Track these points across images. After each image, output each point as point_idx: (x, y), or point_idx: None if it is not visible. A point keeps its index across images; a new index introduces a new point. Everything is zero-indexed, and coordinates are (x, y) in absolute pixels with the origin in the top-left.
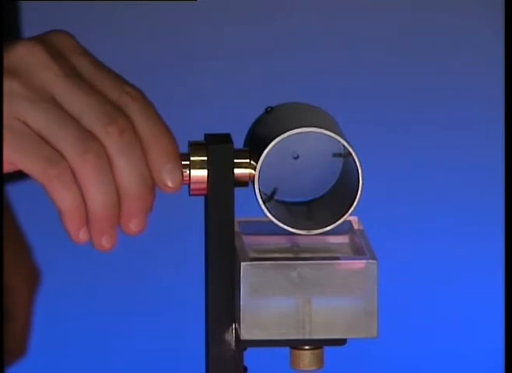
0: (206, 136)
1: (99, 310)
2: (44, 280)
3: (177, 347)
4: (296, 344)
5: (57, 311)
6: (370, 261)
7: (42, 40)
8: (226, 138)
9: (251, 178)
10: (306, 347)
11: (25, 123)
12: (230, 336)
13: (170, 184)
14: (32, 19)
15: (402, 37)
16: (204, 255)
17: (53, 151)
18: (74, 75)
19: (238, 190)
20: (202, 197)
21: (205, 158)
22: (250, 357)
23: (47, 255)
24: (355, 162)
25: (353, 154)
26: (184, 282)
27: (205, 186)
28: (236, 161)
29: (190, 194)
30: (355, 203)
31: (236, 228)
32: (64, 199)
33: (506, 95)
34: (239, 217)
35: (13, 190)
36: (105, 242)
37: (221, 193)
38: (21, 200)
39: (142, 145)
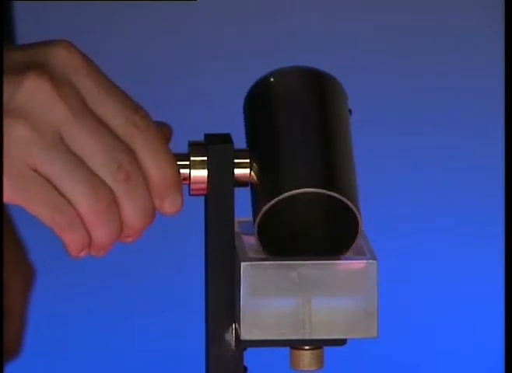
0: (206, 136)
1: (99, 310)
2: (44, 280)
3: (177, 347)
4: (296, 344)
5: (56, 311)
6: (370, 261)
7: (46, 68)
8: (226, 138)
9: (251, 178)
10: (306, 347)
11: (34, 170)
12: (230, 336)
13: (170, 211)
14: (32, 19)
15: (402, 37)
16: (204, 255)
17: (61, 199)
18: (81, 112)
19: (238, 190)
20: (202, 197)
21: (205, 158)
22: (250, 357)
23: (47, 255)
24: (355, 215)
25: (354, 209)
26: (184, 282)
27: (205, 186)
28: (236, 161)
29: (190, 194)
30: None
31: (236, 228)
32: (71, 240)
33: (506, 95)
34: (239, 217)
35: None
36: (101, 255)
37: (221, 193)
38: None
39: (146, 177)
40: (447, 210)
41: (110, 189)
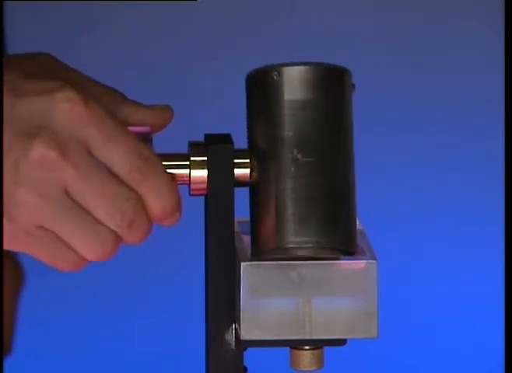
0: (206, 136)
1: (98, 310)
2: (44, 280)
3: (177, 347)
4: (296, 344)
5: (56, 311)
6: (370, 261)
7: (51, 132)
8: (226, 138)
9: (251, 178)
10: (306, 347)
11: (40, 227)
12: (230, 336)
13: (169, 226)
14: (32, 19)
15: (402, 37)
16: (204, 255)
17: (66, 250)
18: (85, 170)
19: (238, 190)
20: (202, 197)
21: (205, 158)
22: (250, 357)
23: None
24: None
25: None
26: (184, 282)
27: (205, 186)
28: (236, 161)
29: (190, 194)
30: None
31: (236, 228)
32: (70, 272)
33: (506, 95)
34: (239, 217)
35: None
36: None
37: (221, 193)
38: None
39: (149, 211)
40: (447, 210)
41: (114, 233)
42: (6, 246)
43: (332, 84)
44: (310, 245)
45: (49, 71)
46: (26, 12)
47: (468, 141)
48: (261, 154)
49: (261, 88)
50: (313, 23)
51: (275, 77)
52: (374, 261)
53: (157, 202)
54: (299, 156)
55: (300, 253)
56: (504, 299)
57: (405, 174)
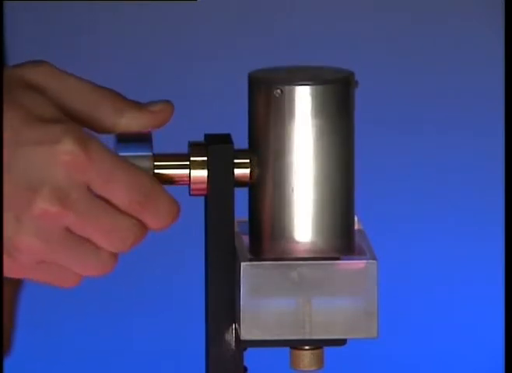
0: (206, 136)
1: (98, 311)
2: None
3: (177, 347)
4: (295, 344)
5: (55, 311)
6: (370, 261)
7: (54, 186)
8: (226, 138)
9: (251, 178)
10: (306, 347)
11: (42, 262)
12: (230, 336)
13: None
14: (32, 18)
15: (402, 37)
16: (204, 255)
17: (69, 275)
18: (86, 214)
19: (238, 190)
20: (202, 197)
21: (205, 159)
22: (250, 357)
23: None
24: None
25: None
26: (184, 282)
27: (205, 186)
28: (236, 161)
29: (190, 194)
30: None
31: (236, 228)
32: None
33: (506, 95)
34: (239, 217)
35: None
36: None
37: (221, 193)
38: None
39: (148, 229)
40: (447, 210)
41: (115, 255)
42: (6, 274)
43: (335, 101)
44: (310, 245)
45: (50, 83)
46: (26, 12)
47: (468, 141)
48: (261, 154)
49: (263, 99)
50: (313, 23)
51: (277, 95)
52: (374, 261)
53: (157, 222)
54: (299, 156)
55: (299, 253)
56: (504, 299)
57: (405, 174)
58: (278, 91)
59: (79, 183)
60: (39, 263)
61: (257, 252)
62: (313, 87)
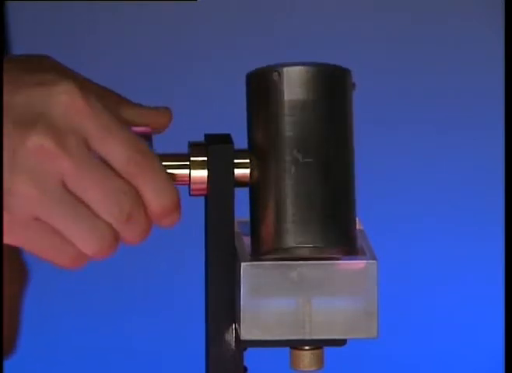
0: (206, 136)
1: (98, 311)
2: (43, 279)
3: (177, 347)
4: (296, 344)
5: (54, 311)
6: (370, 261)
7: (50, 123)
8: (226, 138)
9: (251, 179)
10: (306, 347)
11: (37, 219)
12: (230, 336)
13: (168, 226)
14: (32, 19)
15: (402, 37)
16: (204, 255)
17: (64, 243)
18: (83, 162)
19: (238, 190)
20: (202, 197)
21: (205, 159)
22: (250, 357)
23: None
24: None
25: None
26: (184, 282)
27: (205, 186)
28: (236, 161)
29: (190, 194)
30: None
31: (236, 228)
32: (71, 268)
33: (506, 95)
34: (239, 217)
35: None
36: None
37: (221, 193)
38: None
39: (147, 207)
40: (447, 210)
41: (112, 228)
42: (5, 240)
43: (332, 84)
44: (310, 245)
45: (49, 69)
46: (26, 12)
47: (468, 141)
48: (261, 154)
49: (261, 88)
50: (313, 23)
51: (275, 77)
52: (374, 261)
53: (155, 198)
54: (299, 156)
55: (300, 253)
56: (504, 299)
57: (405, 174)
58: (276, 73)
59: (76, 128)
60: (35, 220)
61: (257, 253)
62: (310, 67)
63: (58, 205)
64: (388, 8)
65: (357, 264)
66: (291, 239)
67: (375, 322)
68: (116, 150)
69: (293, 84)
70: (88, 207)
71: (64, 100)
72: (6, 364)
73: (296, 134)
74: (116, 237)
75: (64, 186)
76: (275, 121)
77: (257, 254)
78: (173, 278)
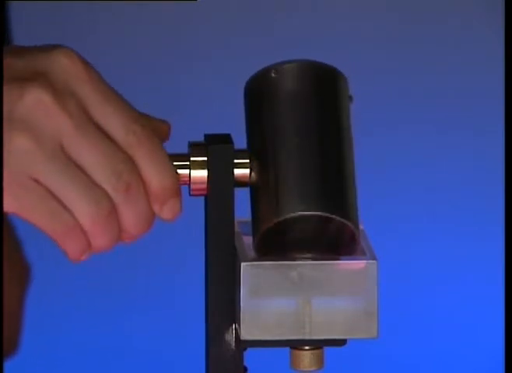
0: (206, 136)
1: (99, 310)
2: (43, 278)
3: (177, 347)
4: (296, 344)
5: (53, 310)
6: (370, 261)
7: (48, 78)
8: (226, 138)
9: (251, 179)
10: (306, 347)
11: (35, 180)
12: (230, 336)
13: (169, 216)
14: (32, 19)
15: (402, 37)
16: (204, 255)
17: (62, 209)
18: (82, 123)
19: (238, 190)
20: (202, 197)
21: (205, 159)
22: (250, 357)
23: (47, 253)
24: (354, 237)
25: (353, 228)
26: (184, 282)
27: (205, 186)
28: (236, 161)
29: (190, 194)
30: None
31: (236, 228)
32: (71, 249)
33: (506, 95)
34: (239, 217)
35: None
36: (98, 253)
37: (221, 193)
38: None
39: (146, 185)
40: (447, 210)
41: (110, 198)
42: (4, 206)
43: (329, 78)
44: (310, 212)
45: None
46: (25, 12)
47: (468, 141)
48: (261, 154)
49: (260, 87)
50: (314, 23)
51: (273, 74)
52: (374, 261)
53: (155, 174)
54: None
55: (300, 225)
56: (504, 299)
57: (405, 174)
58: (274, 71)
59: (76, 92)
60: (32, 180)
61: (258, 231)
62: (305, 63)
63: (55, 163)
64: (388, 8)
65: (357, 264)
66: (291, 209)
67: (375, 322)
68: (115, 119)
69: (291, 79)
70: (85, 173)
71: (64, 63)
72: (7, 363)
73: (295, 134)
74: (113, 209)
75: (63, 149)
76: (273, 119)
77: (257, 234)
78: (174, 278)
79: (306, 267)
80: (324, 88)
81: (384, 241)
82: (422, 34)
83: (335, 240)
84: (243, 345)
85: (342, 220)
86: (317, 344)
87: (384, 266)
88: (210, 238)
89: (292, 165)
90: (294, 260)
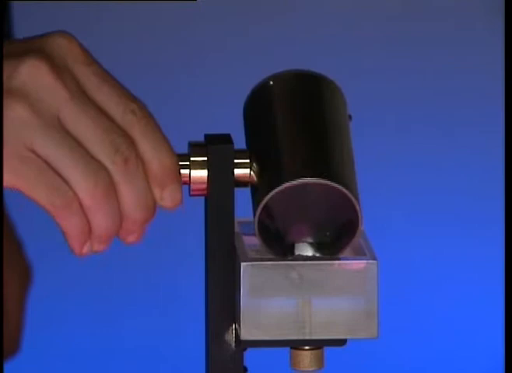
0: (206, 136)
1: (99, 310)
2: (43, 277)
3: (177, 347)
4: (296, 344)
5: (52, 309)
6: (370, 261)
7: (45, 53)
8: (226, 138)
9: (251, 179)
10: (307, 347)
11: (32, 150)
12: (230, 336)
13: (169, 203)
14: (32, 19)
15: (403, 38)
16: (204, 255)
17: (60, 181)
18: (79, 96)
19: (238, 190)
20: (202, 197)
21: (205, 159)
22: (250, 357)
23: (47, 252)
24: (356, 210)
25: (354, 203)
26: (184, 282)
27: (205, 186)
28: (236, 161)
29: (190, 194)
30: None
31: (236, 228)
32: (70, 225)
33: (506, 95)
34: (239, 217)
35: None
36: (101, 249)
37: (221, 193)
38: (13, 193)
39: (145, 165)
40: (447, 210)
41: (108, 172)
42: (4, 180)
43: (327, 86)
44: (311, 178)
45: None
46: (26, 12)
47: (468, 142)
48: (261, 154)
49: (258, 95)
50: (314, 24)
51: (271, 83)
52: (374, 261)
53: (154, 152)
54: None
55: (300, 193)
56: (504, 299)
57: (405, 174)
58: (271, 80)
59: (74, 70)
60: (30, 151)
61: (262, 251)
62: (306, 71)
63: (52, 132)
64: (388, 9)
65: (357, 264)
66: (291, 175)
67: (375, 322)
68: (113, 98)
69: (288, 83)
70: (83, 146)
71: (62, 43)
72: (7, 363)
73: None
74: (112, 184)
75: (59, 120)
76: (272, 119)
77: (257, 208)
78: (174, 278)
79: (306, 267)
80: (322, 93)
81: (384, 241)
82: (423, 34)
83: (336, 216)
84: (243, 345)
85: (343, 189)
86: (317, 344)
87: (384, 266)
88: (210, 238)
89: (290, 148)
90: (294, 260)
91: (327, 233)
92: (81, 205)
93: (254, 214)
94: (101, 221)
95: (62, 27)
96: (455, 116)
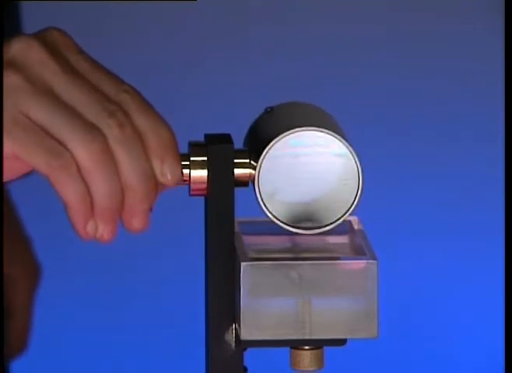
0: (206, 136)
1: (99, 309)
2: (46, 273)
3: (177, 347)
4: (296, 344)
5: (52, 309)
6: (370, 261)
7: (38, 36)
8: (226, 138)
9: (251, 178)
10: (307, 347)
11: (27, 116)
12: (230, 336)
13: (169, 177)
14: (32, 19)
15: (403, 37)
16: (204, 255)
17: (56, 143)
18: (72, 72)
19: (238, 190)
20: (202, 197)
21: (205, 159)
22: (250, 357)
23: (48, 249)
24: (355, 162)
25: (353, 154)
26: (183, 282)
27: (205, 186)
28: (236, 161)
29: (190, 194)
30: (355, 203)
31: (236, 228)
32: (69, 190)
33: (506, 95)
34: (239, 217)
35: (13, 183)
36: (107, 233)
37: (221, 193)
38: (20, 192)
39: (142, 140)
40: (447, 210)
41: (104, 135)
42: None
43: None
44: (307, 127)
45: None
46: (25, 12)
47: (468, 141)
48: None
49: (256, 121)
50: (314, 24)
51: (268, 109)
52: (374, 261)
53: (149, 126)
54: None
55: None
56: (504, 299)
57: (405, 174)
58: (268, 109)
59: (66, 56)
60: (25, 116)
61: (262, 251)
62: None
63: (46, 99)
64: (388, 9)
65: (357, 264)
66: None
67: (375, 322)
68: (106, 80)
69: (285, 108)
70: (77, 111)
71: (55, 33)
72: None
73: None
74: (108, 144)
75: (53, 90)
76: (272, 122)
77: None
78: (174, 278)
79: (306, 267)
80: (320, 109)
81: (384, 241)
82: (422, 34)
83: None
84: (243, 345)
85: (343, 142)
86: (317, 344)
87: (384, 266)
88: (210, 238)
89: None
90: (294, 260)
91: (323, 193)
92: (79, 170)
93: (253, 182)
94: (101, 187)
95: (62, 27)
96: (454, 116)
